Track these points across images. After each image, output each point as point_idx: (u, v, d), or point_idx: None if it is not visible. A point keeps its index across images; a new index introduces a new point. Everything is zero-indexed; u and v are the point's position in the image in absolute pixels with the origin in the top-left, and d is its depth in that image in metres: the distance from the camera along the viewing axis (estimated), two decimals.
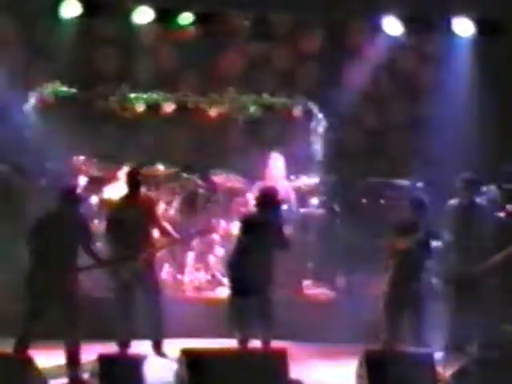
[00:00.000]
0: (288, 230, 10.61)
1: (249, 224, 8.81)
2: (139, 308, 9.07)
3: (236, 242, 8.96)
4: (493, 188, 10.73)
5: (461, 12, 11.84)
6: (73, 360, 8.08)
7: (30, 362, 6.96)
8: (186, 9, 11.45)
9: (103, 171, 11.08)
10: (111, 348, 8.75)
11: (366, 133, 12.53)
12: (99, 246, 9.27)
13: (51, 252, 8.07)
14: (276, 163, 11.03)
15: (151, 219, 9.23)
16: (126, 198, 9.29)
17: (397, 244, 8.66)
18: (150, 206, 9.36)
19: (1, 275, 9.78)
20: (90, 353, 7.75)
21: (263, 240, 8.61)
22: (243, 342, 8.62)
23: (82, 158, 11.03)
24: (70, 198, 8.31)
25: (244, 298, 8.66)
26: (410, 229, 8.68)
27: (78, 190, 9.28)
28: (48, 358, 8.03)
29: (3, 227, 10.00)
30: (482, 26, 12.00)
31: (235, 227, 10.05)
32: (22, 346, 7.98)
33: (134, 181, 9.27)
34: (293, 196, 11.02)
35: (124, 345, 9.01)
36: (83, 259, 8.41)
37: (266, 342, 8.68)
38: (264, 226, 8.66)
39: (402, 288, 8.64)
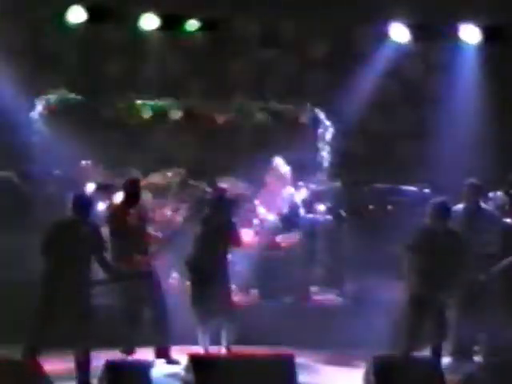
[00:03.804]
0: (295, 236, 10.67)
1: (204, 224, 9.18)
2: (145, 314, 9.08)
3: (193, 239, 9.24)
4: (500, 194, 10.71)
5: (468, 19, 11.82)
6: (82, 367, 8.08)
7: (38, 369, 6.97)
8: (192, 15, 11.47)
9: (110, 178, 11.08)
10: (118, 355, 8.75)
11: (373, 139, 12.51)
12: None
13: (65, 262, 8.06)
14: (280, 169, 11.04)
15: (146, 225, 9.28)
16: (126, 207, 9.25)
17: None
18: (146, 212, 9.36)
19: (10, 282, 9.82)
20: (97, 360, 7.78)
21: (216, 237, 9.04)
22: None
23: (89, 164, 11.04)
24: (83, 208, 8.30)
25: (203, 288, 8.94)
26: (430, 240, 8.64)
27: (88, 196, 9.28)
28: (57, 365, 8.04)
29: (12, 234, 10.01)
30: (489, 32, 11.98)
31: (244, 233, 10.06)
32: (32, 353, 7.98)
33: (134, 190, 9.27)
34: (299, 202, 11.02)
35: (129, 352, 9.02)
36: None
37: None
38: (217, 225, 9.05)
39: (426, 294, 8.58)
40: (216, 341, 8.98)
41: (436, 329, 8.60)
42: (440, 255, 8.54)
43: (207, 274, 9.00)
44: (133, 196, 9.26)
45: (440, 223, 8.69)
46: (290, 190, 10.99)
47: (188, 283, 9.39)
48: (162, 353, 9.00)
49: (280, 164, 11.08)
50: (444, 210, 8.75)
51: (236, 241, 9.32)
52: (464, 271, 8.69)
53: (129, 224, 9.06)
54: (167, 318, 9.05)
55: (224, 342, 8.95)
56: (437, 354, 8.52)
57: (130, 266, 8.85)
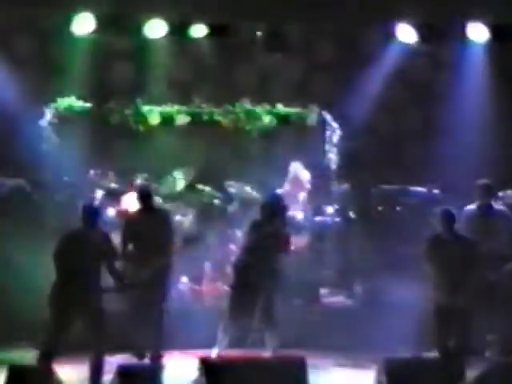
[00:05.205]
0: (304, 239, 10.69)
1: (253, 229, 9.07)
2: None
3: (242, 243, 9.22)
4: (510, 193, 10.72)
5: (475, 18, 11.78)
6: (95, 372, 8.14)
7: (53, 374, 7.02)
8: (198, 21, 11.50)
9: (119, 184, 11.13)
10: (129, 360, 8.79)
11: (381, 141, 12.52)
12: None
13: (76, 270, 8.13)
14: (299, 172, 11.11)
15: (165, 231, 9.22)
16: (140, 212, 9.29)
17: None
18: (165, 218, 9.34)
19: (21, 287, 9.88)
20: (109, 364, 7.82)
21: (265, 244, 8.87)
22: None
23: (98, 171, 11.09)
24: (92, 217, 8.38)
25: (244, 293, 8.85)
26: (441, 248, 8.63)
27: (97, 206, 9.36)
28: (71, 371, 8.08)
29: (23, 241, 10.06)
30: (497, 31, 11.93)
31: None
32: (46, 358, 8.03)
33: (144, 195, 9.28)
34: (309, 205, 11.05)
35: (140, 357, 9.05)
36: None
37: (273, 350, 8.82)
38: (267, 230, 8.93)
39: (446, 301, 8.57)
40: (241, 344, 8.97)
41: (458, 332, 8.57)
42: (452, 262, 8.54)
43: (253, 279, 8.89)
44: (145, 202, 9.26)
45: (448, 230, 8.67)
46: (305, 194, 11.07)
47: (229, 287, 9.34)
48: (156, 358, 8.99)
49: (298, 168, 11.13)
50: (449, 217, 8.73)
51: (286, 248, 9.18)
52: (476, 275, 8.68)
53: (143, 231, 9.05)
54: (163, 324, 9.04)
55: (269, 347, 8.90)
56: (458, 356, 8.45)
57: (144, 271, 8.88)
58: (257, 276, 8.86)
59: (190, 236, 9.24)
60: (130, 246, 9.16)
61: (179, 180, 11.26)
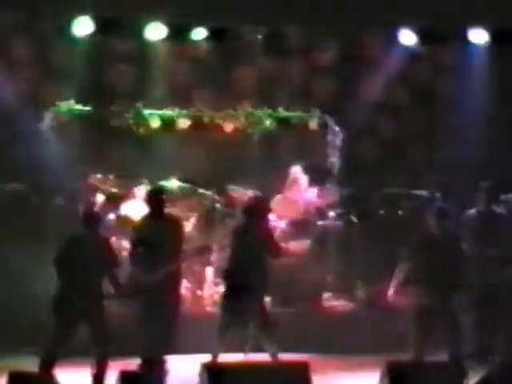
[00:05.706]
0: (306, 243, 10.68)
1: (238, 234, 8.98)
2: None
3: (229, 251, 9.13)
4: None
5: (476, 22, 11.78)
6: (99, 378, 8.09)
7: (53, 380, 6.97)
8: (199, 24, 11.47)
9: (120, 188, 11.10)
10: (132, 365, 8.74)
11: (383, 144, 12.52)
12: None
13: (78, 275, 8.11)
14: (298, 176, 11.07)
15: (175, 239, 9.08)
16: (150, 217, 9.16)
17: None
18: (175, 226, 9.17)
19: (21, 293, 9.84)
20: (111, 370, 7.77)
21: (253, 248, 8.80)
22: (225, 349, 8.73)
23: (98, 175, 11.06)
24: (93, 222, 8.35)
25: (236, 301, 8.78)
26: (432, 243, 8.56)
27: (97, 211, 9.30)
28: (72, 377, 8.04)
29: (22, 246, 10.03)
30: (498, 35, 11.94)
31: None
32: (47, 365, 8.00)
33: (156, 201, 9.13)
34: (312, 209, 11.04)
35: (143, 361, 8.99)
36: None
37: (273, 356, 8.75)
38: (253, 234, 8.85)
39: (431, 302, 8.50)
40: (240, 350, 8.93)
41: (450, 334, 8.51)
42: (440, 261, 8.46)
43: (243, 284, 8.81)
44: (153, 208, 9.13)
45: (439, 228, 8.59)
46: (306, 197, 11.03)
47: (222, 290, 9.31)
48: (159, 363, 8.87)
49: (298, 172, 11.10)
50: (441, 215, 8.64)
51: (275, 252, 9.06)
52: (464, 275, 8.62)
53: (151, 237, 8.91)
54: (171, 331, 8.92)
55: (267, 352, 8.83)
56: (456, 360, 8.39)
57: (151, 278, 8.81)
58: (247, 280, 8.79)
59: (200, 249, 9.14)
60: (139, 251, 9.05)
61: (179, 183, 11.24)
